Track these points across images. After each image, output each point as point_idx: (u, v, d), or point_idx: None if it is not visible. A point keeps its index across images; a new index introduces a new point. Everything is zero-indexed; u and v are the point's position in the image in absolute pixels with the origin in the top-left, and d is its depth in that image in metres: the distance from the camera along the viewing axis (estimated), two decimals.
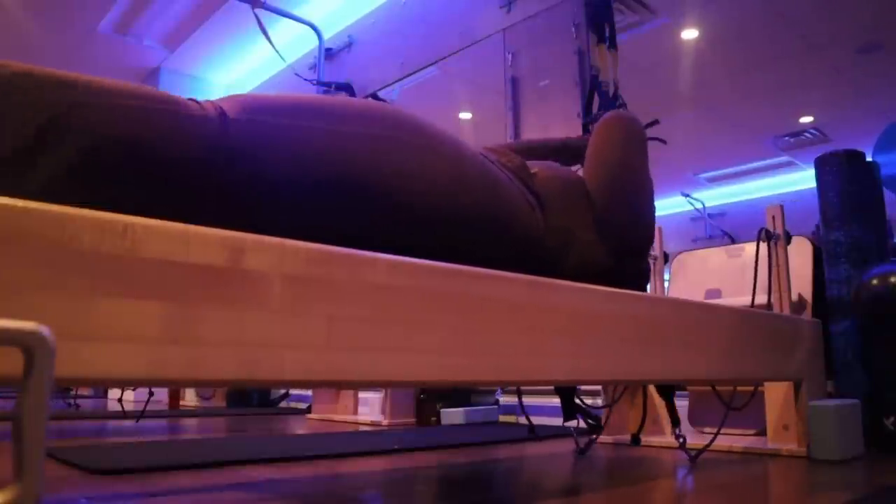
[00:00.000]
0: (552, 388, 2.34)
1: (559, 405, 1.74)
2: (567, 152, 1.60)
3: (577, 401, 2.09)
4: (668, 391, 1.70)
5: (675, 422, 1.64)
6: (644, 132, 1.42)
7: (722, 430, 1.65)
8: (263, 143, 0.82)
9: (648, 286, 2.13)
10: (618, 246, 1.23)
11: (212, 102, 0.82)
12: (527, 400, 2.79)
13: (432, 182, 0.96)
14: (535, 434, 1.96)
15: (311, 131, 0.86)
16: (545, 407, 2.50)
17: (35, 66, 0.69)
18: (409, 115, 0.99)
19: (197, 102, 0.80)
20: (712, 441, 1.62)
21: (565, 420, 1.73)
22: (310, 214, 0.85)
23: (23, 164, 0.65)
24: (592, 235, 1.21)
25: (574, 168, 1.42)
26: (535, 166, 1.23)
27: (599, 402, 2.06)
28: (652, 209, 1.35)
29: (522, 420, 2.78)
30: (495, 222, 1.05)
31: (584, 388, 2.41)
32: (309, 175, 0.84)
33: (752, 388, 1.72)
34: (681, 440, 1.59)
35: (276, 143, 0.83)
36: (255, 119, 0.82)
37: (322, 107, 0.90)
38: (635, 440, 1.81)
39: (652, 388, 1.89)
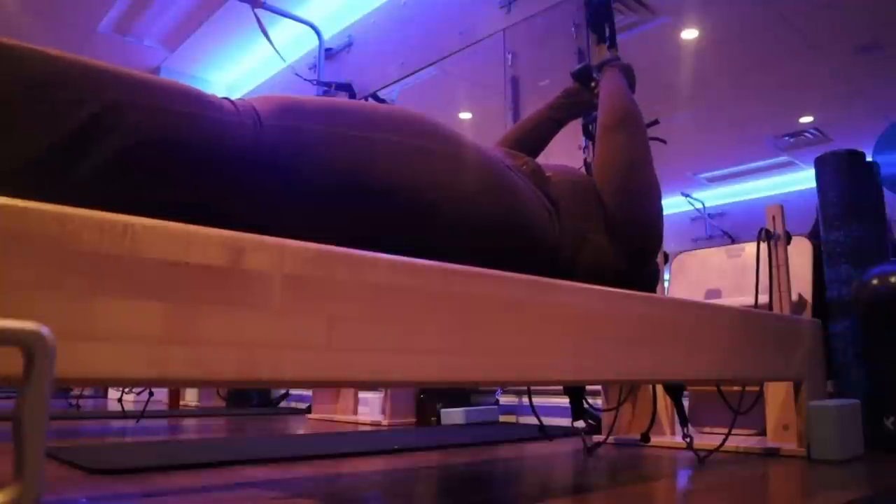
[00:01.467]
0: (553, 387, 2.35)
1: (558, 405, 1.75)
2: (565, 114, 1.61)
3: (570, 401, 2.09)
4: (675, 391, 1.70)
5: (684, 422, 1.64)
6: (646, 133, 1.43)
7: (723, 431, 1.65)
8: (296, 150, 0.82)
9: None
10: (629, 248, 1.24)
11: (247, 103, 0.82)
12: (525, 399, 2.79)
13: (462, 191, 0.97)
14: (546, 434, 1.96)
15: (345, 138, 0.86)
16: (544, 407, 2.49)
17: (72, 55, 0.68)
18: (438, 125, 1.00)
19: (233, 104, 0.80)
20: (723, 442, 1.61)
21: (574, 420, 1.73)
22: (340, 221, 0.86)
23: (54, 165, 0.64)
24: (605, 239, 1.21)
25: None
26: (548, 170, 1.24)
27: (599, 402, 2.06)
28: (660, 210, 1.35)
29: (523, 420, 2.78)
30: (519, 229, 1.06)
31: (589, 388, 2.41)
32: (340, 182, 0.85)
33: (756, 389, 1.72)
34: (688, 440, 1.59)
35: (309, 150, 0.83)
36: (288, 125, 0.82)
37: (354, 113, 0.91)
38: (645, 438, 1.81)
39: (659, 388, 1.89)
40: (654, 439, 1.88)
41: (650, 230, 1.30)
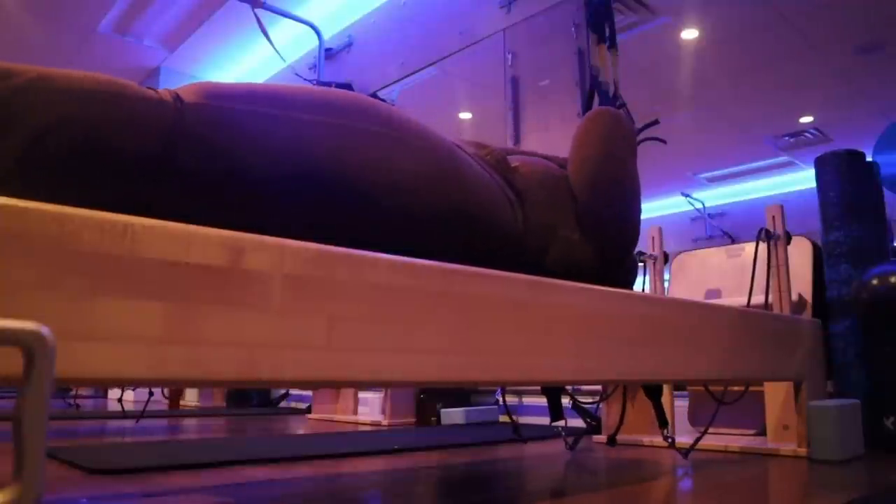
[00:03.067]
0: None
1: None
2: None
3: (572, 402, 2.10)
4: (654, 392, 1.69)
5: (663, 423, 1.64)
6: (629, 128, 1.39)
7: (723, 431, 1.65)
8: (221, 129, 0.79)
9: (646, 286, 2.14)
10: (601, 244, 1.20)
11: (169, 90, 0.80)
12: (526, 400, 2.79)
13: (399, 175, 0.92)
14: (521, 436, 1.95)
15: (271, 118, 0.83)
16: (541, 407, 2.49)
17: None
18: (376, 105, 0.95)
19: (153, 89, 0.78)
20: (700, 437, 1.62)
21: (552, 420, 1.73)
22: (268, 204, 0.82)
23: None
24: (575, 233, 1.18)
25: None
26: (516, 161, 1.20)
27: (599, 403, 2.06)
28: (637, 207, 1.31)
29: (524, 420, 2.78)
30: (469, 218, 1.01)
31: (584, 388, 2.42)
32: (267, 163, 0.81)
33: (760, 388, 1.72)
34: (669, 440, 1.60)
35: (235, 129, 0.80)
36: (213, 104, 0.80)
37: (284, 95, 0.87)
38: (611, 440, 1.81)
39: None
40: (649, 439, 1.88)
41: (625, 225, 1.26)
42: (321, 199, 0.86)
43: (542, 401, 2.51)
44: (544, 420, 2.46)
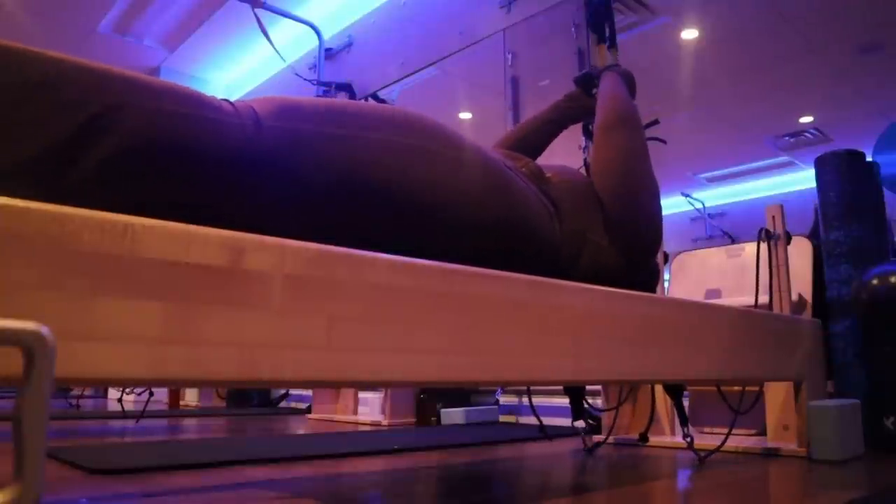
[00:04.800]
0: (554, 388, 2.35)
1: (558, 405, 1.75)
2: (565, 117, 1.62)
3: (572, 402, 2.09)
4: (675, 391, 1.70)
5: (684, 421, 1.64)
6: (644, 132, 1.42)
7: (723, 431, 1.65)
8: (295, 150, 0.82)
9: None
10: (627, 248, 1.23)
11: (246, 104, 0.82)
12: (526, 399, 2.79)
13: (461, 193, 0.97)
14: (546, 434, 1.96)
15: (345, 138, 0.86)
16: (544, 407, 2.49)
17: (72, 58, 0.68)
18: (439, 125, 0.99)
19: (232, 105, 0.80)
20: (723, 443, 1.61)
21: (574, 420, 1.73)
22: (339, 222, 0.86)
23: (52, 164, 0.64)
24: (604, 239, 1.21)
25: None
26: (548, 171, 1.24)
27: (599, 402, 2.06)
28: (659, 209, 1.35)
29: (523, 420, 2.78)
30: (520, 230, 1.06)
31: (588, 388, 2.41)
32: (339, 182, 0.85)
33: (757, 389, 1.72)
34: (688, 440, 1.59)
35: (309, 151, 0.83)
36: (288, 126, 0.82)
37: (355, 113, 0.91)
38: (643, 438, 1.81)
39: (658, 388, 1.90)
40: (654, 439, 1.88)
41: (649, 229, 1.30)
42: (386, 216, 0.89)
43: (542, 401, 2.51)
44: (545, 420, 2.46)
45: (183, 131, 0.72)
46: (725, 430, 1.63)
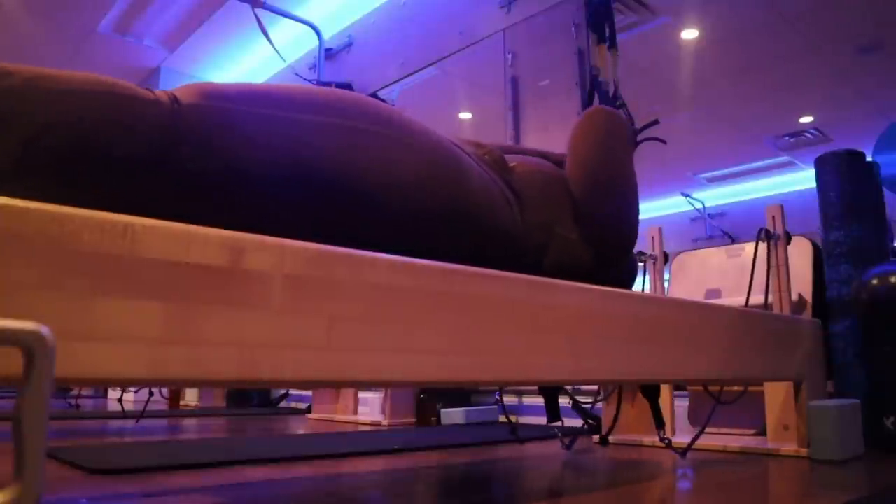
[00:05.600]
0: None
1: (558, 405, 1.75)
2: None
3: (572, 402, 2.09)
4: (652, 392, 1.69)
5: (660, 423, 1.64)
6: (626, 127, 1.38)
7: (723, 430, 1.65)
8: (219, 129, 0.79)
9: (646, 286, 2.14)
10: (600, 244, 1.20)
11: (165, 91, 0.79)
12: (527, 400, 2.79)
13: (399, 175, 0.92)
14: (518, 436, 1.95)
15: (270, 119, 0.83)
16: (539, 407, 2.49)
17: None
18: (377, 105, 0.95)
19: (150, 89, 0.78)
20: (696, 437, 1.61)
21: (549, 421, 1.73)
22: (268, 204, 0.82)
23: None
24: (573, 233, 1.17)
25: None
26: (513, 160, 1.20)
27: (600, 403, 2.06)
28: (635, 206, 1.30)
29: (523, 420, 2.78)
30: (470, 218, 1.01)
31: (584, 388, 2.42)
32: (267, 164, 0.81)
33: (759, 388, 1.72)
34: (666, 441, 1.60)
35: (233, 130, 0.80)
36: (210, 105, 0.79)
37: (283, 95, 0.87)
38: (603, 441, 1.81)
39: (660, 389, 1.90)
40: (649, 439, 1.88)
41: (622, 224, 1.25)
42: (322, 200, 0.85)
43: (537, 401, 2.51)
44: (544, 420, 2.46)
45: (90, 111, 0.70)
46: (725, 430, 1.63)
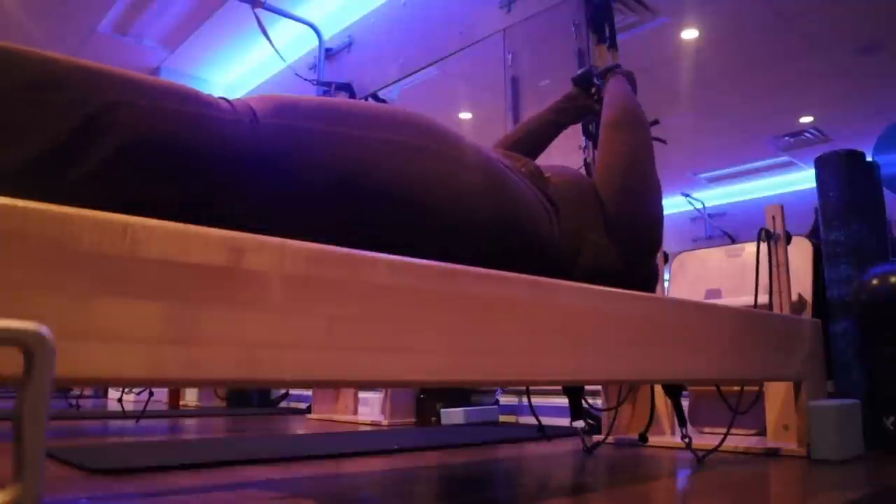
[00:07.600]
0: (553, 387, 2.34)
1: (558, 405, 1.75)
2: (564, 118, 1.62)
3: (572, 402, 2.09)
4: (674, 391, 1.70)
5: (682, 422, 1.64)
6: (649, 131, 1.42)
7: (723, 430, 1.64)
8: (293, 148, 0.82)
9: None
10: (628, 248, 1.23)
11: (244, 102, 0.82)
12: (525, 400, 2.79)
13: (461, 192, 0.97)
14: (545, 434, 1.96)
15: (343, 137, 0.86)
16: (544, 407, 2.49)
17: (67, 57, 0.68)
18: (437, 124, 0.99)
19: (229, 102, 0.80)
20: (722, 442, 1.61)
21: (573, 420, 1.73)
22: (338, 221, 0.85)
23: (52, 165, 0.64)
24: (603, 239, 1.21)
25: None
26: (547, 171, 1.24)
27: (599, 402, 2.06)
28: (660, 210, 1.35)
29: (523, 420, 2.78)
30: (519, 230, 1.06)
31: (588, 388, 2.42)
32: (338, 181, 0.84)
33: (756, 389, 1.72)
34: (687, 440, 1.59)
35: (307, 148, 0.83)
36: (285, 123, 0.82)
37: (353, 112, 0.91)
38: (642, 438, 1.81)
39: (658, 388, 1.89)
40: (654, 439, 1.88)
41: (650, 231, 1.30)
42: (385, 216, 0.89)
43: (542, 401, 2.51)
44: (545, 420, 2.46)
45: (180, 128, 0.72)
46: (724, 430, 1.63)
